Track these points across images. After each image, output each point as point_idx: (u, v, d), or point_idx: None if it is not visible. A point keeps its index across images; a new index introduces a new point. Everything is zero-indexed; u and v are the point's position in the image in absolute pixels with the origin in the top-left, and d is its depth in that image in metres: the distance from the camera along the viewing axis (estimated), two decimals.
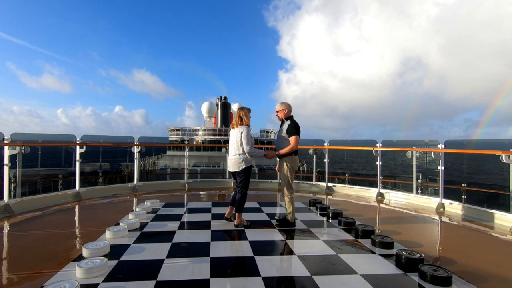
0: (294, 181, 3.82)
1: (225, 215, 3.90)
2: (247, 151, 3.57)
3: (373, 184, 6.43)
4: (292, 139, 3.64)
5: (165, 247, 2.94)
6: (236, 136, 3.65)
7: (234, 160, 3.66)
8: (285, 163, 3.71)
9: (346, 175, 8.78)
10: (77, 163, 5.56)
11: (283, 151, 3.67)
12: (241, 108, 3.75)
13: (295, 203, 3.88)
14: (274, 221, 3.93)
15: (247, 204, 5.03)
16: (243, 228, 3.64)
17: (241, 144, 3.59)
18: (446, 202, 5.09)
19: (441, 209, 5.06)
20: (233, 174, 3.77)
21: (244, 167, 3.61)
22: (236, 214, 3.71)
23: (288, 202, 3.75)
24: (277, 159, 3.86)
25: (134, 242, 3.07)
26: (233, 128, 3.73)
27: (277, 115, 3.89)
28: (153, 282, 2.20)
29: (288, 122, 3.73)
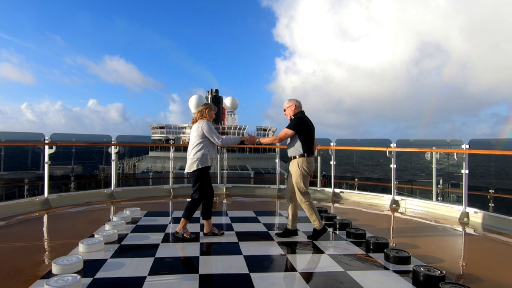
0: None
1: (204, 232, 3.79)
2: (218, 144, 3.63)
3: (386, 190, 6.45)
4: (282, 131, 3.68)
5: (147, 262, 2.92)
6: (194, 132, 3.67)
7: (188, 159, 3.65)
8: (296, 165, 3.61)
9: (356, 179, 8.80)
10: (46, 166, 5.52)
11: (264, 139, 3.80)
12: (205, 104, 3.86)
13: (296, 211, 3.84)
14: (272, 233, 3.92)
15: (242, 213, 5.02)
16: (188, 238, 3.57)
17: (199, 141, 3.61)
18: (470, 210, 5.11)
19: (465, 219, 5.08)
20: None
21: (195, 168, 3.56)
22: (181, 219, 3.63)
23: (309, 208, 3.62)
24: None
25: (112, 257, 3.05)
26: (194, 123, 3.77)
27: (285, 114, 3.83)
28: None
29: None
